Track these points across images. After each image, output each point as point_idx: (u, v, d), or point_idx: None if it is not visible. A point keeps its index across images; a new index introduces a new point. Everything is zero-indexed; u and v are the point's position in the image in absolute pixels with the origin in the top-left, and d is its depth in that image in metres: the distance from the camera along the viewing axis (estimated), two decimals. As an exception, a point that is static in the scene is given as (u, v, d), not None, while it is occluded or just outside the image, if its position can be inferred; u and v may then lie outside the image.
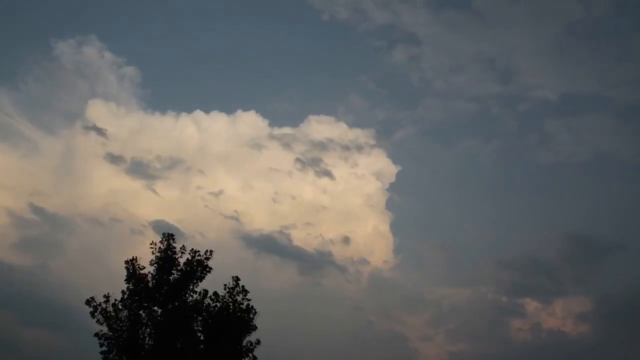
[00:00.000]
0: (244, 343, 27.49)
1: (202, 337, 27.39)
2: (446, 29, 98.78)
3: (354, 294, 77.49)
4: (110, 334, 26.72)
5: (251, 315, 27.54)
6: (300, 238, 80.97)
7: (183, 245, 28.15)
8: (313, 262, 78.35)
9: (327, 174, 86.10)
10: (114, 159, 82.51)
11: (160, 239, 28.15)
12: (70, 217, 76.41)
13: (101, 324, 26.74)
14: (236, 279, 27.90)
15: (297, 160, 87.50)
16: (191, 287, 27.77)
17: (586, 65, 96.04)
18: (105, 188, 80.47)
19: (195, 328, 27.43)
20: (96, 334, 26.66)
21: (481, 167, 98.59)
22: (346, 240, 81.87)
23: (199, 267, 27.87)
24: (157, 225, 71.76)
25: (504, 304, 78.36)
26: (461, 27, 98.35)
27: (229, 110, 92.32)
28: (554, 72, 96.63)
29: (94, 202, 78.26)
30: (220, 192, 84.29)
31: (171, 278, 27.76)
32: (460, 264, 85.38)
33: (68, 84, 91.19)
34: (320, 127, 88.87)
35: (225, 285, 27.81)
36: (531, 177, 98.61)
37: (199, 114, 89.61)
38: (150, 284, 27.53)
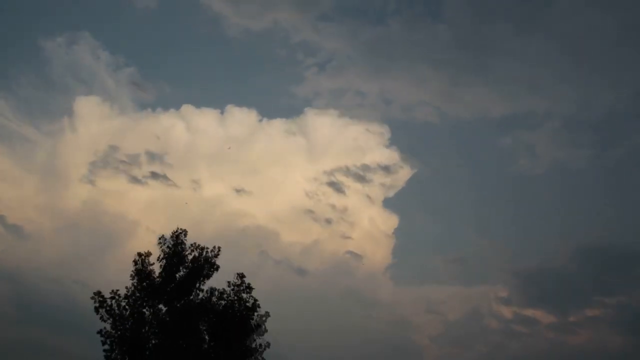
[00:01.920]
0: (253, 345, 26.79)
1: (207, 337, 26.74)
2: (367, 47, 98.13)
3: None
4: (114, 332, 26.05)
5: (258, 315, 26.94)
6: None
7: (195, 243, 27.53)
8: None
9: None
10: (102, 159, 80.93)
11: (171, 234, 27.53)
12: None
13: (104, 320, 26.06)
14: (241, 276, 27.35)
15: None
16: (198, 285, 27.13)
17: (524, 84, 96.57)
18: (90, 190, 78.75)
19: (201, 327, 26.77)
20: (99, 332, 25.98)
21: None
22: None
23: (206, 264, 27.25)
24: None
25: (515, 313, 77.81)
26: (382, 45, 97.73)
27: (220, 106, 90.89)
28: (491, 92, 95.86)
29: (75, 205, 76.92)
30: (211, 194, 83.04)
31: (177, 275, 27.11)
32: (473, 275, 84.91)
33: (57, 83, 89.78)
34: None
35: (229, 282, 27.23)
36: (502, 189, 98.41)
37: (190, 109, 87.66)
38: (156, 281, 26.90)
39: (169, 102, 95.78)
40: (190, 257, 27.32)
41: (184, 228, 27.66)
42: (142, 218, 75.43)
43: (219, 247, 27.50)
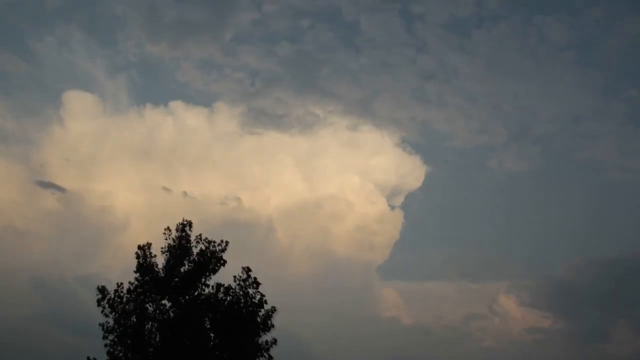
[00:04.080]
0: (260, 342, 25.83)
1: (212, 334, 25.83)
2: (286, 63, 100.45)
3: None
4: (116, 326, 25.31)
5: (265, 310, 26.02)
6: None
7: (200, 235, 26.66)
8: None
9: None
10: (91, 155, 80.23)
11: (176, 226, 26.66)
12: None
13: (106, 315, 25.37)
14: (247, 270, 26.23)
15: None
16: (203, 280, 26.24)
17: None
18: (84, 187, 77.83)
19: (206, 325, 25.90)
20: (101, 324, 25.32)
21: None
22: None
23: (212, 258, 26.31)
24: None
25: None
26: (300, 63, 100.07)
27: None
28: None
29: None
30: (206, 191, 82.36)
31: (182, 269, 26.23)
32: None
33: (46, 80, 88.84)
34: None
35: (235, 276, 26.22)
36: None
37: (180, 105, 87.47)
38: (160, 275, 26.07)
39: (159, 99, 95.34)
40: (195, 250, 26.50)
41: (189, 220, 26.81)
42: (132, 216, 74.61)
43: (226, 242, 26.54)
